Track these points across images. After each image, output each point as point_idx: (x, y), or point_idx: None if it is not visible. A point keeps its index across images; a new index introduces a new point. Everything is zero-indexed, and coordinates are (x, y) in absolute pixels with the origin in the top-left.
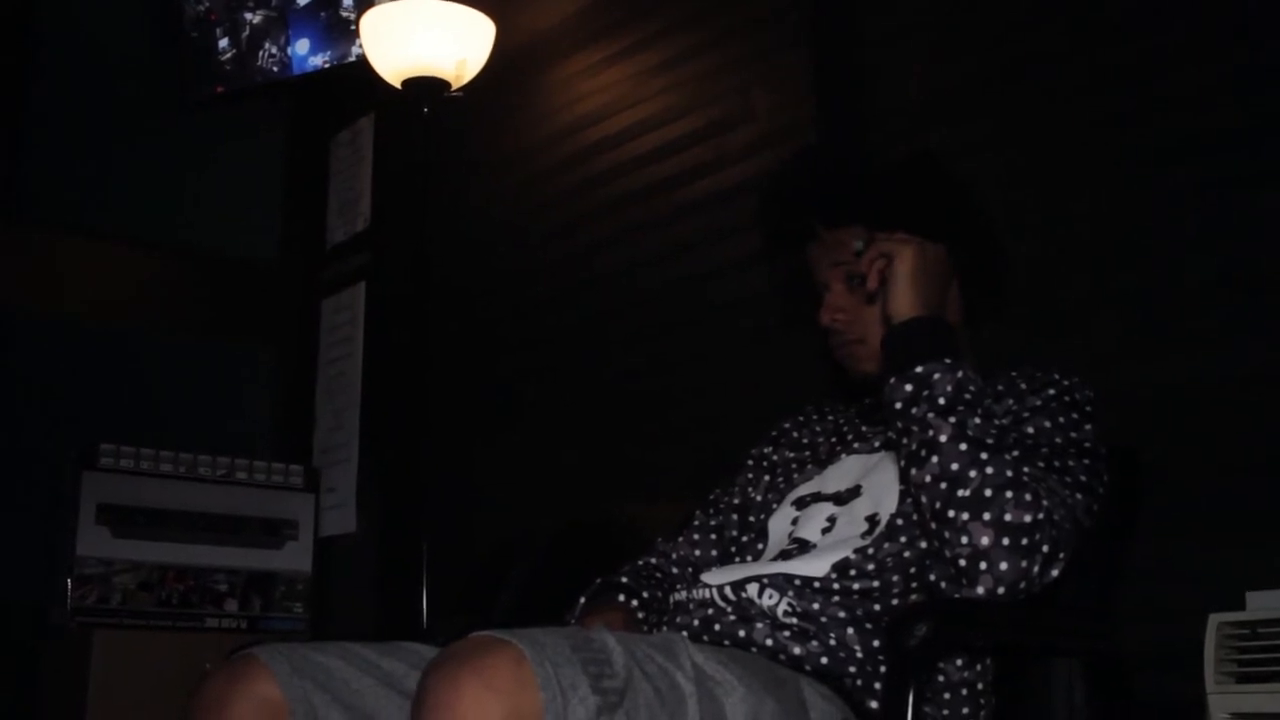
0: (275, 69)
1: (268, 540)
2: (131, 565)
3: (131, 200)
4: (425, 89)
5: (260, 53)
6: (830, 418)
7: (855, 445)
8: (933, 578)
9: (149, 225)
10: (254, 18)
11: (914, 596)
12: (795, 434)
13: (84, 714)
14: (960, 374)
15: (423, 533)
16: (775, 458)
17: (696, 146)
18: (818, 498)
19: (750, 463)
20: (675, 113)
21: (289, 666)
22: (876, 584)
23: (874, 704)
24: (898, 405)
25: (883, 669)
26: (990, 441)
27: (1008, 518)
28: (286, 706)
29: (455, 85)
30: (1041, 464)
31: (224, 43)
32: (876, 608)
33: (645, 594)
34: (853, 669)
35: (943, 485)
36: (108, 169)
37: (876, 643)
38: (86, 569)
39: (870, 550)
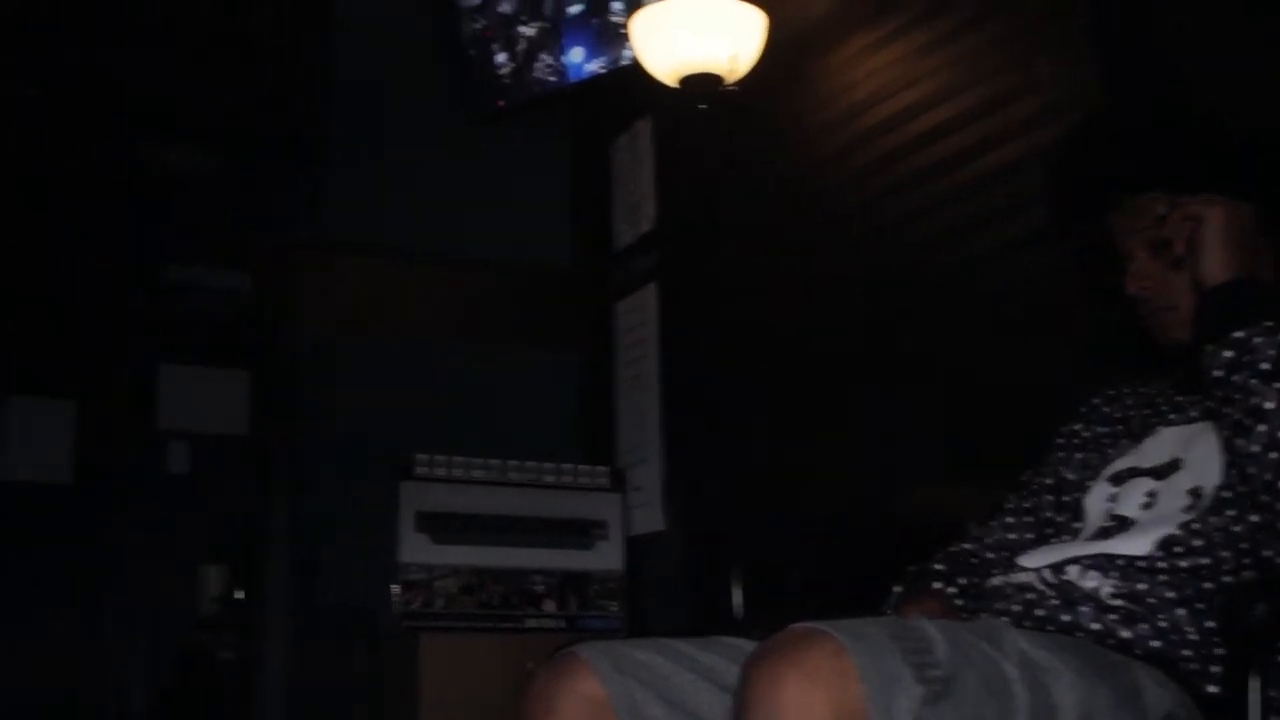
0: (552, 79)
1: (579, 541)
2: (452, 570)
3: (428, 218)
4: (700, 86)
5: (536, 64)
6: (1141, 390)
7: (1171, 417)
8: (1267, 553)
9: (446, 241)
10: (529, 31)
11: (1246, 574)
12: (1106, 409)
13: (418, 713)
14: None
15: (729, 526)
16: (1086, 434)
17: (978, 121)
18: (1135, 472)
19: (1061, 441)
20: (953, 89)
21: (610, 664)
22: (1206, 561)
23: (1212, 689)
24: (1218, 373)
25: (1219, 651)
26: None
27: None
28: (610, 703)
29: (730, 80)
30: None
31: (501, 58)
32: (1208, 586)
33: (962, 580)
34: (1187, 652)
35: (1273, 455)
36: (404, 190)
37: (1210, 624)
38: (410, 575)
39: (1196, 525)
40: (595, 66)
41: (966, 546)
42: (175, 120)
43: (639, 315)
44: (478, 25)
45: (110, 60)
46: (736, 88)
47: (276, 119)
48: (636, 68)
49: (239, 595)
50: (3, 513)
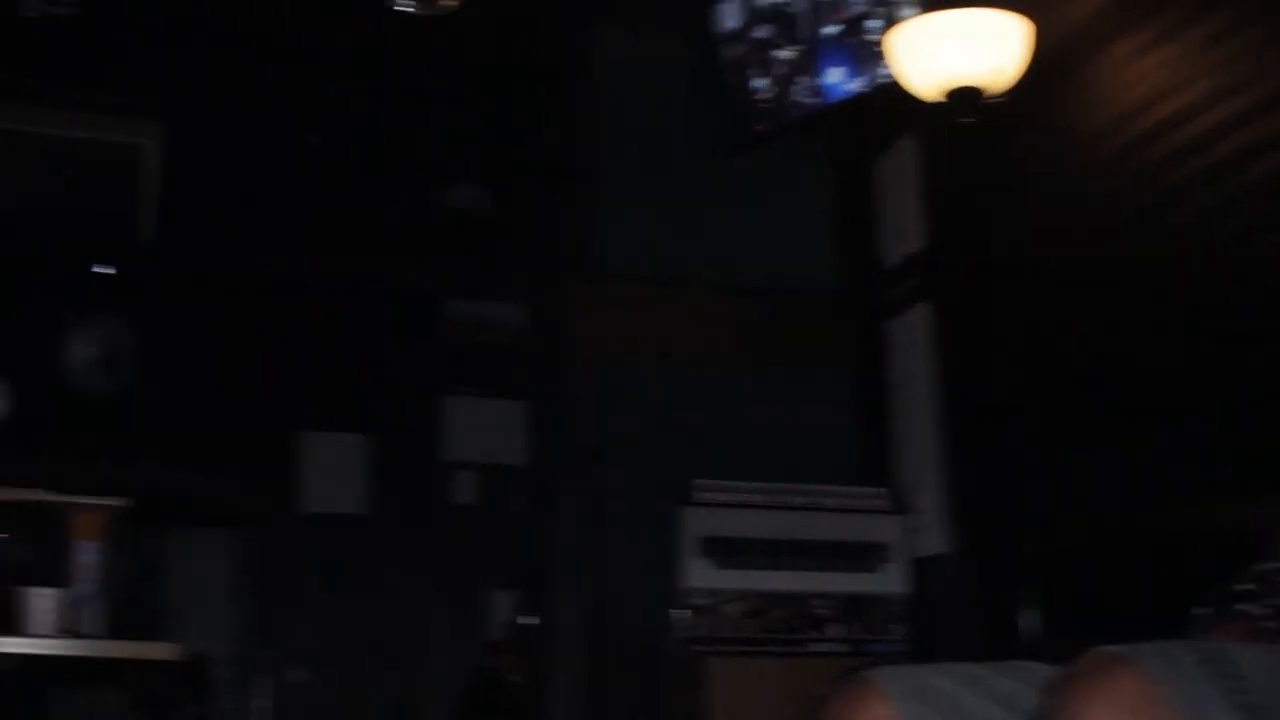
0: (810, 101)
1: (861, 564)
2: (737, 595)
3: (695, 246)
4: (963, 100)
5: (794, 88)
6: None
7: None
8: None
9: (713, 267)
10: (786, 54)
11: None
12: None
13: None
14: None
15: (1017, 546)
16: None
17: (1260, 120)
18: None
19: None
20: (1230, 87)
21: (903, 689)
22: None
23: None
24: None
25: None
26: None
27: None
28: None
29: (993, 91)
30: None
31: (759, 83)
32: None
33: (1273, 601)
34: None
35: None
36: (670, 219)
37: None
38: (696, 600)
39: None
40: (854, 86)
41: (1275, 565)
42: (453, 161)
43: (910, 334)
44: (735, 52)
45: (390, 105)
46: (1002, 99)
47: (548, 155)
48: (896, 85)
49: (527, 620)
50: (303, 543)
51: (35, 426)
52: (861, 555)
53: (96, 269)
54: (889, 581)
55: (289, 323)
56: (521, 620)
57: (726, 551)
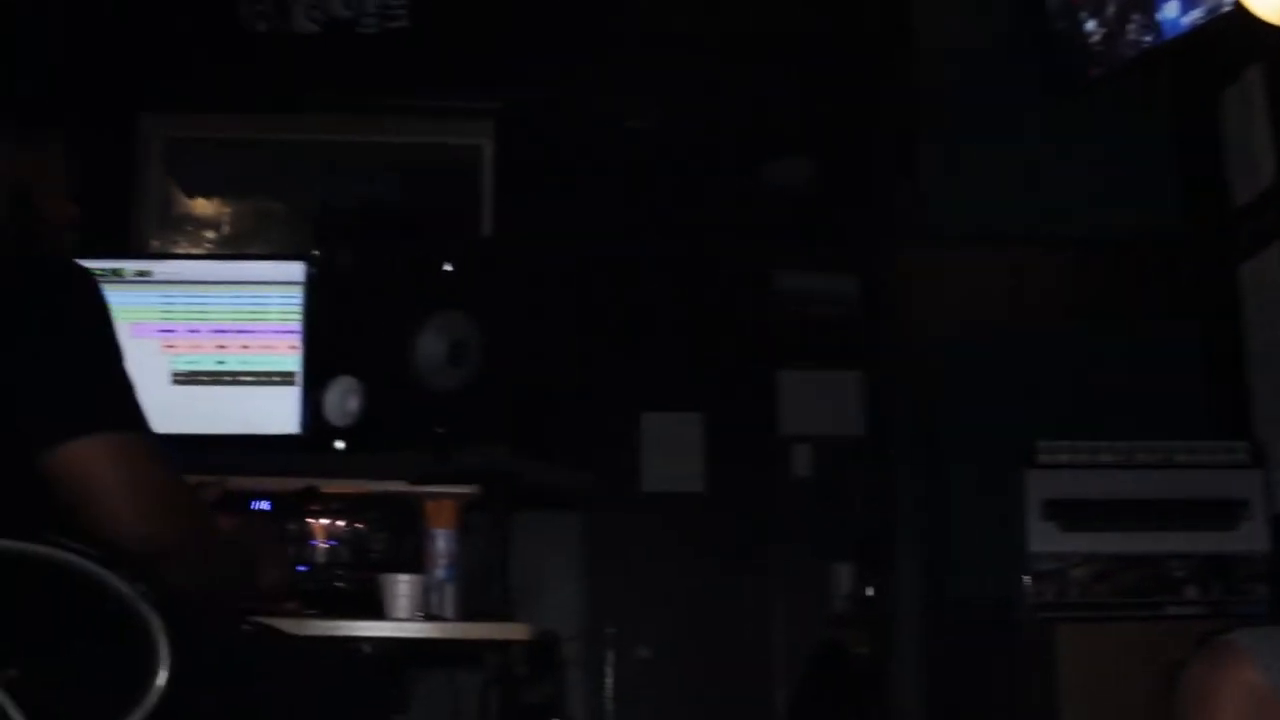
0: (1146, 39)
1: (1218, 522)
2: (1084, 558)
3: (1027, 200)
4: None
5: (1129, 26)
6: None
7: None
8: None
9: (1048, 220)
10: None
11: None
12: None
13: (1058, 704)
14: None
15: None
16: None
17: None
18: None
19: None
20: None
21: (1271, 652)
22: None
23: None
24: None
25: None
26: None
27: None
28: (1273, 695)
29: None
30: None
31: (1090, 25)
32: None
33: None
34: None
35: None
36: (999, 174)
37: None
38: (1041, 565)
39: None
40: (1192, 18)
41: None
42: (776, 134)
43: (1265, 277)
44: None
45: (709, 84)
46: None
47: (871, 121)
48: (1239, 11)
49: (869, 592)
50: (644, 522)
51: (388, 422)
52: (1218, 513)
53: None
54: (1249, 539)
55: (624, 306)
56: (863, 592)
57: (1072, 514)
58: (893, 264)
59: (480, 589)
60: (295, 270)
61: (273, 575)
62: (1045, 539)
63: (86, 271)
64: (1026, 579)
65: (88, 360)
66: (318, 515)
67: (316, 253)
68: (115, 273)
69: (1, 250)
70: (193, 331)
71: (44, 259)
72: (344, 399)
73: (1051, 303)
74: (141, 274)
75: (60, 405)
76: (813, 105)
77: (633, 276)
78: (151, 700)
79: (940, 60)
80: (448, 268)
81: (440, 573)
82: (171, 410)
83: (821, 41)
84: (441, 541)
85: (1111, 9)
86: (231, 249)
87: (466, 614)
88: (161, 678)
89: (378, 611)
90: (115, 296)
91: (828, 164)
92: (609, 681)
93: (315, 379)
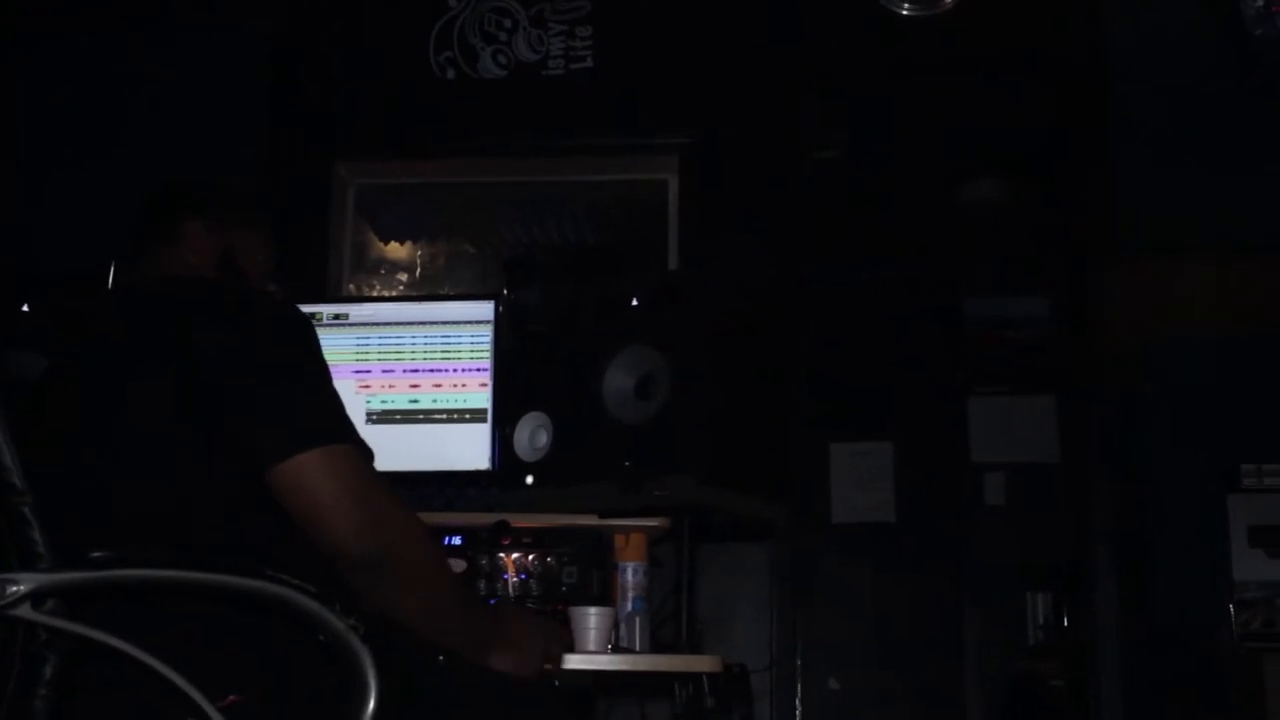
0: None
1: None
2: None
3: (1227, 210)
4: None
5: None
6: None
7: None
8: None
9: (1244, 232)
10: None
11: None
12: None
13: None
14: None
15: None
16: None
17: None
18: None
19: None
20: None
21: None
22: None
23: None
24: None
25: None
26: None
27: None
28: None
29: None
30: None
31: None
32: None
33: None
34: None
35: None
36: (1191, 186)
37: None
38: (1246, 594)
39: None
40: None
41: None
42: (966, 156)
43: None
44: (1259, 3)
45: (899, 106)
46: None
47: (1061, 139)
48: None
49: (1066, 621)
50: (835, 552)
51: (577, 456)
52: None
53: (631, 302)
54: None
55: (811, 334)
56: (1060, 622)
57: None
58: (1086, 283)
59: (669, 621)
60: (485, 310)
61: (535, 655)
62: (1252, 566)
63: (290, 303)
64: (1231, 607)
65: (306, 382)
66: (509, 549)
67: (506, 292)
68: (313, 317)
69: (222, 286)
70: (387, 371)
71: (252, 290)
72: (534, 435)
73: (1255, 316)
74: (338, 317)
75: (285, 423)
76: (1004, 124)
77: (820, 302)
78: None
79: (1135, 72)
80: (634, 302)
81: (629, 605)
82: None
83: (1012, 59)
84: (630, 574)
85: None
86: (424, 291)
87: (656, 646)
88: (370, 709)
89: (568, 644)
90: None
91: (1020, 183)
92: (798, 713)
93: (505, 415)
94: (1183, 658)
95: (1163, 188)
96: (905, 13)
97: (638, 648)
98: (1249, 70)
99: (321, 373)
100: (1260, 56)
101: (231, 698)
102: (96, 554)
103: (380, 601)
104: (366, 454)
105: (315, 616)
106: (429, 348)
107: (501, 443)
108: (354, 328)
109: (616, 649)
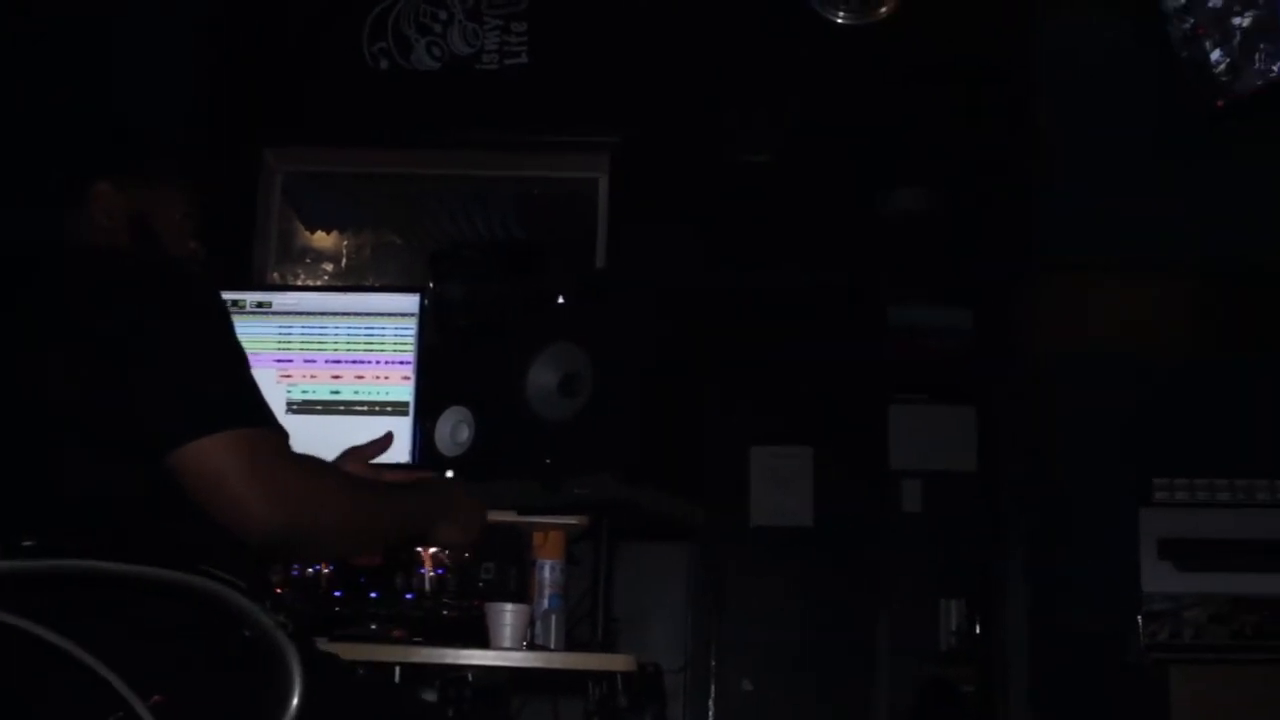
0: (1275, 67)
1: None
2: (1200, 599)
3: (1144, 228)
4: None
5: (1255, 56)
6: None
7: None
8: None
9: (1168, 249)
10: (1243, 22)
11: None
12: None
13: None
14: None
15: None
16: None
17: None
18: None
19: None
20: None
21: None
22: None
23: None
24: None
25: None
26: None
27: None
28: None
29: None
30: None
31: (1215, 55)
32: None
33: None
34: None
35: None
36: (1117, 203)
37: None
38: (1154, 605)
39: None
40: None
41: None
42: (892, 164)
43: None
44: (1186, 25)
45: (827, 113)
46: None
47: (989, 151)
48: None
49: (978, 628)
50: (751, 555)
51: (498, 452)
52: None
53: (557, 300)
54: None
55: (734, 338)
56: (972, 629)
57: (1189, 553)
58: (1008, 295)
59: (585, 619)
60: (410, 303)
61: (455, 530)
62: (1160, 579)
63: (207, 279)
64: (1139, 618)
65: (212, 362)
66: (426, 544)
67: (431, 285)
68: (235, 304)
69: (128, 257)
70: (309, 361)
71: (167, 262)
72: (455, 429)
73: (1172, 334)
74: (261, 305)
75: (187, 405)
76: (930, 136)
77: (744, 307)
78: None
79: (1062, 89)
80: (560, 300)
81: (546, 602)
82: None
83: (940, 71)
84: (548, 571)
85: (1238, 38)
86: (349, 282)
87: (571, 644)
88: (293, 706)
89: (483, 640)
90: (235, 327)
91: (946, 193)
92: (711, 714)
93: (427, 409)
94: (1091, 666)
95: (1083, 203)
96: (840, 21)
97: (553, 645)
98: (1173, 91)
99: (227, 350)
100: (1185, 78)
101: (156, 698)
102: (27, 543)
103: (307, 561)
104: (279, 433)
105: (244, 612)
106: (352, 339)
107: (423, 437)
108: (277, 316)
109: (532, 646)
